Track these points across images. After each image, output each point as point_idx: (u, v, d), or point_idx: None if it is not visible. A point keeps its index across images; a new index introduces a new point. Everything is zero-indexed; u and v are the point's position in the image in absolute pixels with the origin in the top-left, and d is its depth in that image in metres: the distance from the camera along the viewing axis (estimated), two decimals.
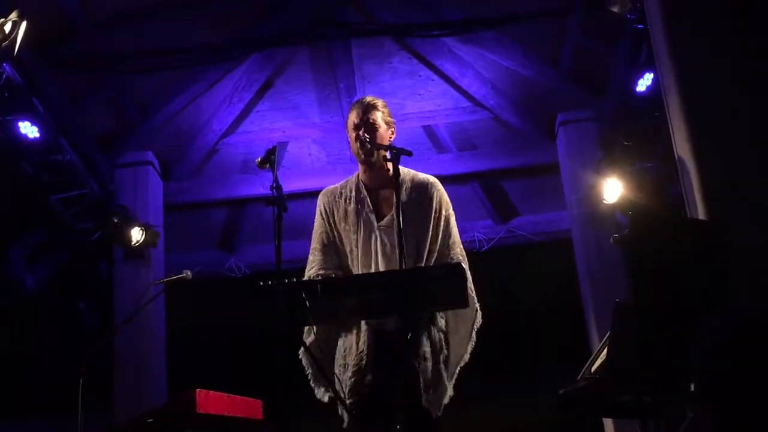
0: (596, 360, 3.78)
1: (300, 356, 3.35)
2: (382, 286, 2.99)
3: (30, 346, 7.52)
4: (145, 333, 6.79)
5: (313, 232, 3.53)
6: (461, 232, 3.56)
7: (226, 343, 7.69)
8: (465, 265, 3.35)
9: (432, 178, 3.51)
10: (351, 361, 3.27)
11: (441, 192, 3.48)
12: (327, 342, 3.40)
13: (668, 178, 6.18)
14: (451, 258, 3.37)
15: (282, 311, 2.84)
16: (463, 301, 3.08)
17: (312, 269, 3.41)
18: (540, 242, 8.10)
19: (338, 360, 3.35)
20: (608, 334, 3.64)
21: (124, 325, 6.05)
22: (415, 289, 2.93)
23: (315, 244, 3.50)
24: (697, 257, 3.36)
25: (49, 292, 7.54)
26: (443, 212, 3.44)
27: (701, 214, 4.00)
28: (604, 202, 6.67)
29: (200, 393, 3.81)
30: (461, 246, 3.45)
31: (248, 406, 4.17)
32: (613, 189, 6.54)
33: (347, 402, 3.22)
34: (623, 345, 3.40)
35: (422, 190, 3.45)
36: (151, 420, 3.85)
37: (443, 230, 3.42)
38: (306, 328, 3.35)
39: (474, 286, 3.40)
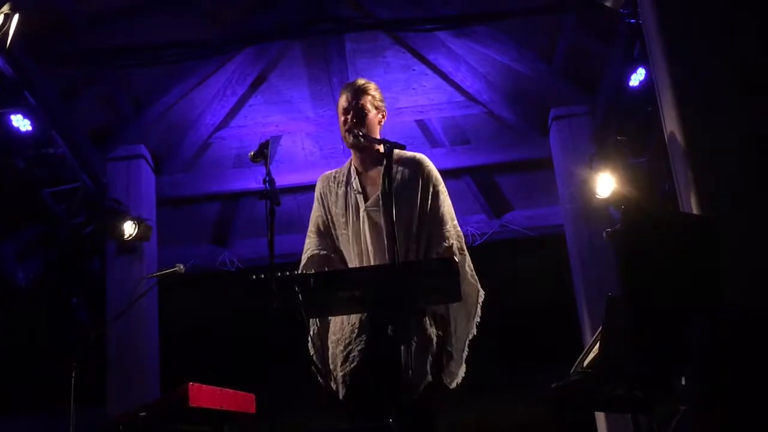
0: (589, 354, 3.79)
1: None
2: (375, 281, 2.99)
3: (22, 342, 7.50)
4: (137, 327, 6.78)
5: (310, 217, 3.54)
6: None
7: (219, 337, 7.70)
8: (457, 242, 3.35)
9: (420, 155, 3.48)
10: (343, 334, 3.28)
11: (429, 168, 3.44)
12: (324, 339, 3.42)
13: (661, 173, 6.19)
14: (443, 234, 3.34)
15: (275, 305, 2.84)
16: (456, 296, 3.07)
17: (307, 252, 3.43)
18: (533, 237, 8.10)
19: (331, 336, 3.37)
20: (600, 328, 3.65)
21: (116, 320, 6.04)
22: (407, 285, 2.93)
23: (311, 227, 3.51)
24: (689, 252, 3.37)
25: (40, 287, 7.51)
26: (431, 188, 3.40)
27: (694, 209, 4.01)
28: (597, 196, 6.68)
29: (193, 387, 3.81)
30: (455, 221, 3.41)
31: (241, 400, 4.17)
32: (605, 184, 6.56)
33: (339, 374, 3.25)
34: (615, 339, 3.41)
35: (410, 167, 3.42)
36: (144, 414, 3.85)
37: (432, 206, 3.37)
38: (309, 337, 3.37)
39: (473, 270, 3.40)
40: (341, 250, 3.45)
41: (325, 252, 3.41)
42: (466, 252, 3.38)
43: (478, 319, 3.38)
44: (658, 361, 3.20)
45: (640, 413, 3.82)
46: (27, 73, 5.71)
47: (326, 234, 3.48)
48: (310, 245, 3.45)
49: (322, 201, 3.52)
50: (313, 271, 3.15)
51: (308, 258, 3.40)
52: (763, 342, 3.21)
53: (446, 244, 3.30)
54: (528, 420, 7.02)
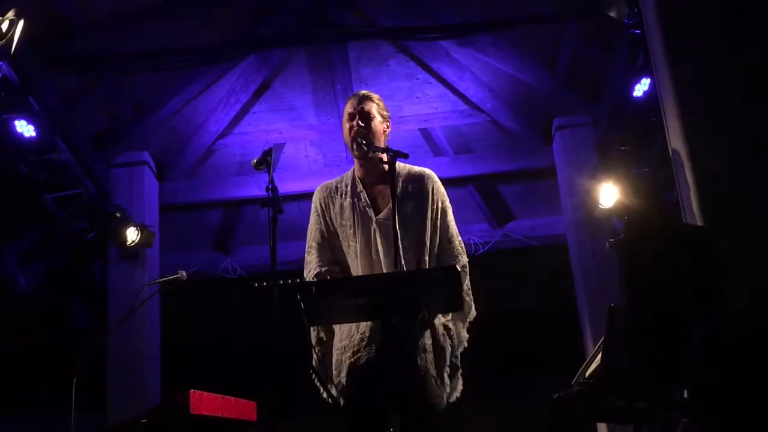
0: (591, 365, 3.79)
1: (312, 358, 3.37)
2: (377, 288, 2.98)
3: (22, 346, 7.50)
4: (139, 334, 6.77)
5: (308, 230, 3.52)
6: None
7: (220, 345, 7.68)
8: (464, 258, 3.39)
9: (427, 171, 3.51)
10: (351, 341, 3.28)
11: (437, 184, 3.47)
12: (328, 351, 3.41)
13: (664, 184, 6.19)
14: (451, 250, 3.37)
15: (277, 313, 2.84)
16: (458, 304, 3.08)
17: (309, 268, 3.41)
18: (536, 246, 8.10)
19: (337, 344, 3.35)
20: (602, 339, 3.65)
21: (118, 326, 6.03)
22: (409, 292, 2.93)
23: (310, 242, 3.49)
24: (692, 263, 3.36)
25: (42, 291, 7.51)
26: (439, 204, 3.43)
27: (697, 220, 4.01)
28: (600, 206, 6.68)
29: (194, 394, 3.80)
30: (459, 238, 3.45)
31: (242, 408, 4.16)
32: (609, 194, 6.55)
33: (344, 382, 3.24)
34: (617, 350, 3.41)
35: (418, 182, 3.44)
36: (144, 421, 3.84)
37: (441, 222, 3.41)
38: (313, 343, 3.36)
39: (470, 288, 3.41)
40: (343, 262, 3.44)
41: (326, 268, 3.39)
42: (467, 269, 3.40)
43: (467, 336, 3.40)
44: (660, 372, 3.20)
45: (642, 424, 3.81)
46: (31, 79, 5.72)
47: (326, 247, 3.46)
48: (311, 262, 3.43)
49: (323, 212, 3.50)
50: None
51: (312, 278, 3.39)
52: (762, 347, 3.21)
53: (460, 260, 3.35)
54: (527, 430, 6.99)
